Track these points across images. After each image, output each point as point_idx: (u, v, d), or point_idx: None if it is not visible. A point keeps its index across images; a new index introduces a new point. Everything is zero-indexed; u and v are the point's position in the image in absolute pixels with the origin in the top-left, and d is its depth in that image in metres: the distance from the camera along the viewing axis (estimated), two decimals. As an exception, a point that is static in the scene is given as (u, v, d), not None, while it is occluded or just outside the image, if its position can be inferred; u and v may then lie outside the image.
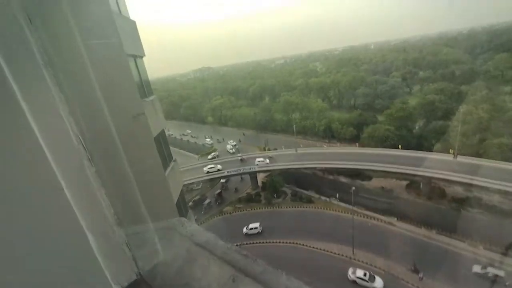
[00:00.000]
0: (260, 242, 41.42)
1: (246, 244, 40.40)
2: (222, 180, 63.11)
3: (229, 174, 58.66)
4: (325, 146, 73.58)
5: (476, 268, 31.08)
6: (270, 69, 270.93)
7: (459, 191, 48.77)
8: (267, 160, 60.25)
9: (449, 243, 36.97)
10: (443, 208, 45.65)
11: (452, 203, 46.23)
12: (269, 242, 41.04)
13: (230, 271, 1.55)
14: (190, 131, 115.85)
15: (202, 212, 53.53)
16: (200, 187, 62.74)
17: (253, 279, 1.47)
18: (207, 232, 1.98)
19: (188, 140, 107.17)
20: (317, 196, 52.59)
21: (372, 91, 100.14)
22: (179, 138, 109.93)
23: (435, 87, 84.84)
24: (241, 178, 63.45)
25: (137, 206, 2.06)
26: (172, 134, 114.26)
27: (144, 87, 10.06)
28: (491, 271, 30.29)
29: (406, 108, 72.66)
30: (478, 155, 50.61)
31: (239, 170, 58.47)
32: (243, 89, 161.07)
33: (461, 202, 45.90)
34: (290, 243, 40.32)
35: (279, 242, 40.77)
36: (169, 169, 9.93)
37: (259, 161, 59.45)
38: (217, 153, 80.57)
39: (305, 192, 54.40)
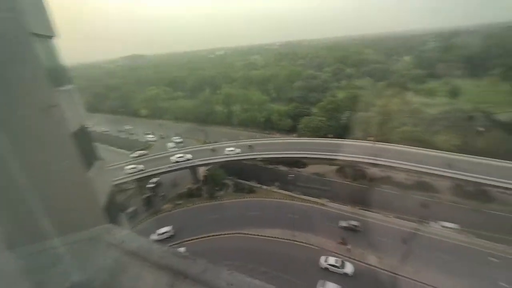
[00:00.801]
0: (205, 237, 41.05)
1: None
2: (152, 183, 57.91)
3: (165, 171, 55.28)
4: (266, 137, 76.40)
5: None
6: (210, 60, 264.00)
7: (376, 172, 57.45)
8: (238, 150, 59.78)
9: (368, 215, 43.29)
10: (364, 187, 53.10)
11: (371, 182, 54.18)
12: (215, 235, 41.03)
13: (167, 277, 1.44)
14: (129, 127, 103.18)
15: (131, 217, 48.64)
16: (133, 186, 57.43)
17: (194, 280, 1.41)
18: (140, 237, 1.80)
19: (128, 137, 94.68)
20: (258, 185, 54.61)
21: (307, 84, 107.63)
22: (115, 135, 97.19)
23: (358, 82, 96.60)
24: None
25: (48, 216, 1.74)
26: (107, 131, 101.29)
27: (58, 74, 8.52)
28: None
29: (335, 101, 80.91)
30: (390, 141, 60.22)
31: (175, 165, 55.56)
32: (180, 80, 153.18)
33: (377, 181, 54.22)
34: (236, 234, 41.10)
35: (225, 234, 41.14)
36: (93, 169, 8.69)
37: (229, 151, 59.13)
38: (146, 151, 74.53)
39: (247, 182, 55.84)
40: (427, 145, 56.40)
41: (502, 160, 48.08)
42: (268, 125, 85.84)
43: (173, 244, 38.51)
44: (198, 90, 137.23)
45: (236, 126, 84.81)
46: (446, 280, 30.84)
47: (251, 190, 52.80)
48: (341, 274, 32.36)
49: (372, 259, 34.63)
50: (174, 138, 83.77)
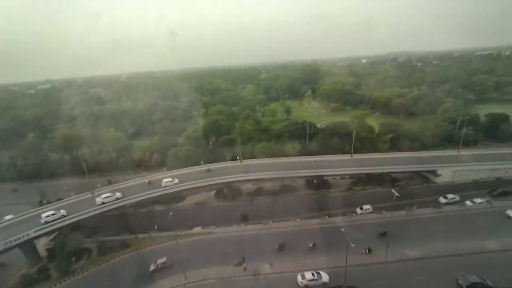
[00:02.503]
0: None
1: None
2: None
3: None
4: (130, 178, 66.00)
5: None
6: (28, 96, 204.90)
7: (249, 186, 62.65)
8: (176, 180, 53.89)
9: (251, 228, 45.75)
10: (242, 203, 56.22)
11: (246, 197, 58.26)
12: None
13: None
14: None
15: None
16: None
17: None
18: None
19: None
20: (133, 236, 45.68)
21: (167, 115, 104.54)
22: None
23: (216, 109, 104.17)
24: None
25: None
26: None
27: None
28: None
29: (199, 129, 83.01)
30: (253, 156, 67.90)
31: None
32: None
33: (252, 195, 59.07)
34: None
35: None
36: None
37: (166, 182, 52.95)
38: None
39: (117, 237, 45.49)
40: (280, 154, 68.09)
41: (330, 155, 65.47)
42: (130, 164, 75.35)
43: None
44: (13, 136, 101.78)
45: (88, 173, 68.40)
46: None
47: (124, 245, 43.10)
48: (320, 285, 32.76)
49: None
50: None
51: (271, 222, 47.14)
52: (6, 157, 77.48)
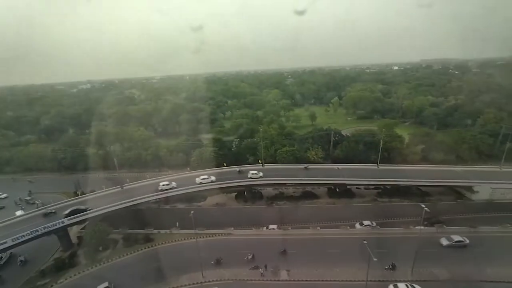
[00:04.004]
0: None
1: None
2: None
3: (14, 243, 39.55)
4: (156, 175, 68.98)
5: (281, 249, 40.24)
6: (71, 95, 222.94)
7: (270, 191, 62.58)
8: (260, 173, 57.32)
9: (270, 233, 45.45)
10: (262, 207, 56.12)
11: (268, 201, 58.08)
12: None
13: None
14: None
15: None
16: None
17: None
18: None
19: None
20: (156, 231, 47.52)
21: (194, 117, 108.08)
22: None
23: (241, 112, 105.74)
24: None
25: None
26: None
27: None
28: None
29: (224, 131, 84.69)
30: (276, 161, 67.70)
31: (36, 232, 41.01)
32: (28, 120, 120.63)
33: (272, 199, 58.80)
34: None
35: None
36: None
37: (252, 174, 57.16)
38: None
39: (141, 231, 47.60)
40: (302, 160, 67.13)
41: (355, 164, 63.39)
42: (157, 162, 78.79)
43: None
44: (57, 131, 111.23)
45: (118, 168, 72.71)
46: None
47: (147, 239, 45.01)
48: None
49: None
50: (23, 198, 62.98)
51: (289, 228, 46.60)
52: (49, 149, 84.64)
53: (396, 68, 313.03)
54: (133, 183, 58.60)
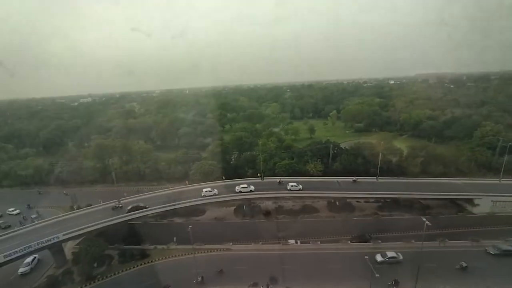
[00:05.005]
0: None
1: None
2: None
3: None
4: (154, 189, 68.33)
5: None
6: (71, 108, 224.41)
7: (269, 204, 61.77)
8: (300, 186, 57.41)
9: (269, 248, 44.52)
10: (261, 221, 55.21)
11: (266, 215, 57.18)
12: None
13: None
14: None
15: None
16: None
17: None
18: None
19: None
20: (152, 246, 46.41)
21: (193, 130, 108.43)
22: None
23: (240, 125, 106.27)
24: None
25: None
26: None
27: None
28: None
29: (223, 144, 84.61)
30: (275, 174, 67.28)
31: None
32: (28, 133, 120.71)
33: (271, 213, 57.92)
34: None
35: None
36: None
37: (291, 186, 57.26)
38: None
39: (137, 246, 46.50)
40: (301, 173, 66.78)
41: (352, 177, 63.00)
42: (156, 176, 78.29)
43: None
44: (55, 144, 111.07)
45: (116, 182, 72.14)
46: None
47: (143, 255, 43.90)
48: None
49: None
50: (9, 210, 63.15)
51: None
52: (47, 163, 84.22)
53: (392, 82, 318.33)
54: (130, 197, 57.90)
